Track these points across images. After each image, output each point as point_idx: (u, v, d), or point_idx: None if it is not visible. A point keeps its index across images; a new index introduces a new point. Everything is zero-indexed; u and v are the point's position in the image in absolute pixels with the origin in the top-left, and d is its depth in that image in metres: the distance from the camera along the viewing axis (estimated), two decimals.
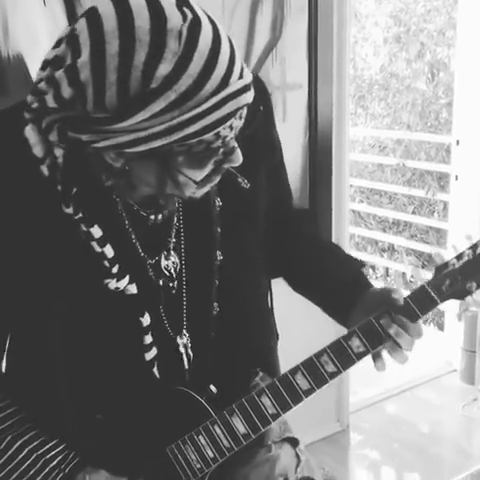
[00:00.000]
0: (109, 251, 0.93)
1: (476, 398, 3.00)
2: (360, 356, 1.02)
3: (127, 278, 0.95)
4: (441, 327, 3.52)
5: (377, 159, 4.87)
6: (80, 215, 0.90)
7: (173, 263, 1.03)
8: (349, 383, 2.76)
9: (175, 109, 0.75)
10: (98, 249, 0.92)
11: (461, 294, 1.04)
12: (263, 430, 1.02)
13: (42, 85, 0.81)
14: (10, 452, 0.97)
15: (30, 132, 0.84)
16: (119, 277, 0.94)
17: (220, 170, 0.89)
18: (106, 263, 0.93)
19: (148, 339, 0.98)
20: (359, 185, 4.69)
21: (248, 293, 1.11)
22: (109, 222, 0.94)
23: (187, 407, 1.03)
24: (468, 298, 1.05)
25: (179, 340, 1.05)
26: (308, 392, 1.01)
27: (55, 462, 0.98)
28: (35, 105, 0.82)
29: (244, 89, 0.80)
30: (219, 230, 1.03)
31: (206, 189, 0.92)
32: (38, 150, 0.85)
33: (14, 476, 0.97)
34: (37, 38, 1.67)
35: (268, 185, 1.10)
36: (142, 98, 0.74)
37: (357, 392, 2.96)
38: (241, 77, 0.80)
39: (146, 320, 0.97)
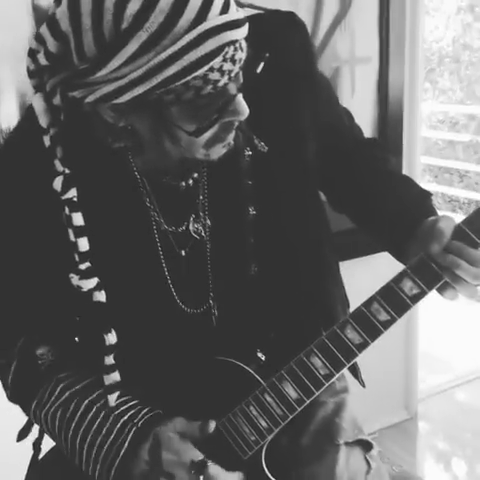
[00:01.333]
0: (83, 244, 0.87)
1: None
2: (415, 299, 0.91)
3: (95, 281, 0.89)
4: None
5: (448, 135, 4.68)
6: (68, 196, 0.86)
7: (204, 225, 0.98)
8: (418, 369, 2.67)
9: (150, 50, 0.71)
10: (72, 238, 0.87)
11: None
12: (317, 393, 0.95)
13: (33, 44, 0.79)
14: (80, 412, 0.97)
15: (36, 99, 0.83)
16: (85, 276, 0.88)
17: (227, 126, 0.83)
18: (76, 256, 0.88)
19: (109, 361, 0.93)
20: (428, 163, 4.51)
21: (293, 248, 1.03)
22: (123, 198, 0.92)
23: (235, 377, 0.99)
24: None
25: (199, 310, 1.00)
26: (361, 346, 0.93)
27: (126, 416, 0.96)
28: (32, 67, 0.81)
29: (228, 25, 0.73)
30: (250, 183, 0.97)
31: (222, 150, 0.86)
32: (43, 119, 0.83)
33: (90, 436, 0.96)
34: None
35: (319, 124, 1.01)
36: (115, 41, 0.71)
37: (426, 379, 2.87)
38: (224, 12, 0.74)
39: (111, 339, 0.92)
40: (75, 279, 0.88)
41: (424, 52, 4.82)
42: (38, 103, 0.82)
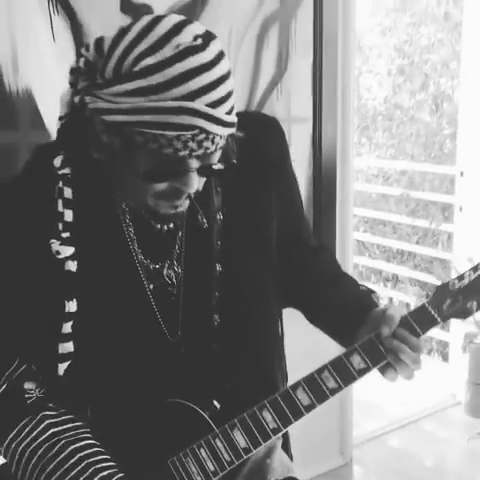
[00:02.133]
0: (69, 215, 0.99)
1: None
2: (361, 373, 1.03)
3: (72, 250, 0.99)
4: (446, 358, 3.50)
5: (381, 189, 4.89)
6: (64, 171, 0.99)
7: (175, 272, 1.08)
8: (352, 416, 2.73)
9: (142, 95, 0.87)
10: (60, 209, 0.99)
11: (462, 314, 1.05)
12: (263, 445, 1.03)
13: (83, 51, 0.96)
14: (62, 456, 0.99)
15: (66, 93, 0.98)
16: (65, 243, 0.99)
17: (175, 192, 0.96)
18: (60, 225, 0.99)
19: (66, 328, 1.00)
20: (363, 215, 4.70)
21: (252, 307, 1.13)
22: (110, 228, 1.04)
23: (189, 420, 1.05)
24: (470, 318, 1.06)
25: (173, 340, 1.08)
26: (309, 408, 1.02)
27: (106, 473, 0.99)
28: (74, 65, 0.96)
29: (211, 118, 0.89)
30: (219, 243, 1.08)
31: (168, 209, 0.99)
32: (63, 110, 0.98)
33: None
34: (46, 73, 1.69)
35: (282, 217, 1.15)
36: (125, 76, 0.88)
37: (360, 425, 2.94)
38: (215, 107, 0.89)
39: (71, 306, 1.00)
40: (56, 245, 0.98)
41: (359, 110, 5.08)
42: (66, 95, 0.97)
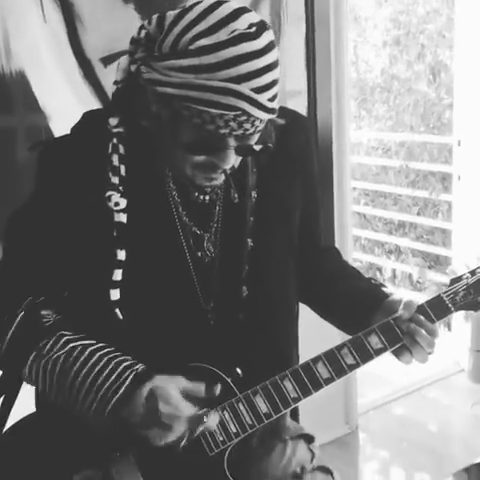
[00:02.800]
0: (123, 170, 1.05)
1: None
2: (378, 352, 1.12)
3: (125, 202, 1.05)
4: (449, 327, 3.53)
5: (381, 161, 4.89)
6: (119, 129, 1.05)
7: (213, 244, 1.15)
8: (357, 385, 2.77)
9: (193, 73, 0.93)
10: (116, 163, 1.05)
11: (473, 306, 1.16)
12: (283, 411, 1.11)
13: (145, 24, 1.03)
14: (83, 357, 1.05)
15: (123, 60, 1.05)
16: (122, 196, 1.04)
17: (211, 166, 1.02)
18: (116, 178, 1.05)
19: (117, 275, 1.05)
20: (363, 187, 4.70)
21: (277, 283, 1.20)
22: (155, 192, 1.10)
23: (212, 378, 1.10)
24: None
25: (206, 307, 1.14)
26: (328, 381, 1.11)
27: (128, 363, 1.05)
28: (135, 36, 1.03)
29: (255, 103, 0.95)
30: (252, 219, 1.15)
31: (203, 181, 1.06)
32: (119, 75, 1.05)
33: (90, 376, 1.03)
34: (39, 55, 1.71)
35: (302, 211, 1.23)
36: (181, 52, 0.94)
37: (365, 394, 2.98)
38: (259, 93, 0.95)
39: (122, 255, 1.05)
40: (116, 196, 1.04)
41: (358, 82, 5.06)
42: (123, 63, 1.04)
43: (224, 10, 0.95)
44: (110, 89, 1.75)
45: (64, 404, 1.06)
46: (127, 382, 1.03)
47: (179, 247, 1.12)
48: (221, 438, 1.10)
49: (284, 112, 1.11)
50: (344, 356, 1.11)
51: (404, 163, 4.29)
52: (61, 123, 1.72)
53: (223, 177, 1.07)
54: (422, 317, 1.12)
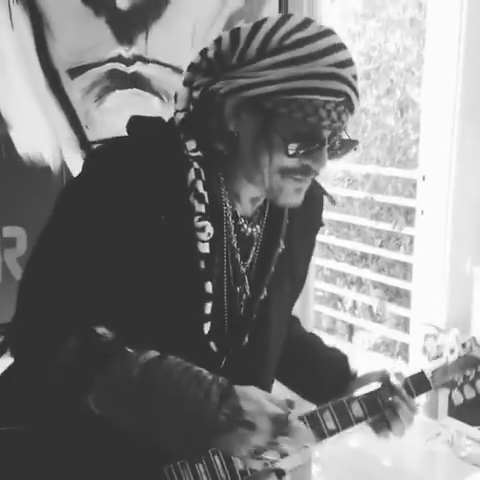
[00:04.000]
0: (206, 197, 1.02)
1: (439, 433, 3.00)
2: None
3: (212, 231, 1.02)
4: (407, 360, 3.54)
5: (346, 192, 4.93)
6: (198, 153, 1.03)
7: (243, 288, 1.14)
8: None
9: (294, 64, 0.95)
10: (201, 190, 1.01)
11: (449, 385, 1.25)
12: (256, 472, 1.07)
13: (209, 45, 1.04)
14: (174, 374, 0.94)
15: (183, 90, 1.05)
16: (206, 219, 1.02)
17: (305, 170, 1.02)
18: (203, 206, 1.02)
19: (207, 309, 1.03)
20: (328, 218, 4.73)
21: (277, 334, 1.21)
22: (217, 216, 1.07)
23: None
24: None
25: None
26: (359, 420, 1.18)
27: (211, 377, 0.96)
28: (197, 60, 1.04)
29: (352, 87, 0.98)
30: (273, 269, 1.15)
31: (292, 195, 1.05)
32: (180, 104, 1.05)
33: (178, 391, 0.93)
34: (4, 62, 1.67)
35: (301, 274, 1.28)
36: (275, 49, 0.96)
37: None
38: (356, 80, 1.00)
39: (209, 287, 1.03)
40: (209, 226, 1.01)
41: None
42: (183, 92, 1.05)
43: (292, 22, 0.99)
44: (76, 100, 1.73)
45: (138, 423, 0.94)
46: (214, 388, 0.93)
47: (221, 281, 1.09)
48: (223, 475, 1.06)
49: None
50: (325, 420, 1.12)
51: (369, 195, 4.33)
52: (22, 132, 1.68)
53: (306, 187, 1.07)
54: (404, 392, 1.18)
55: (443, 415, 3.09)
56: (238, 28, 1.02)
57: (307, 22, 0.99)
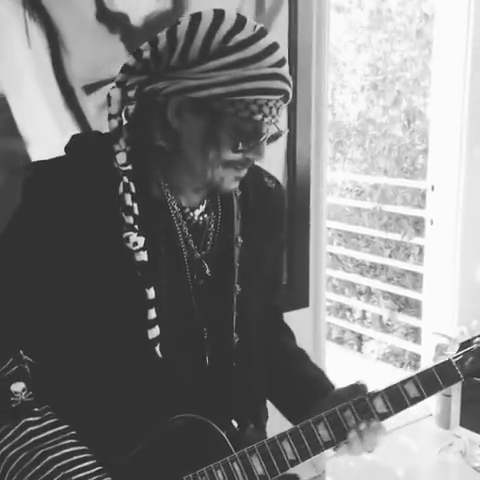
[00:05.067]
0: (136, 208, 1.03)
1: (451, 443, 2.99)
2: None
3: (143, 240, 1.03)
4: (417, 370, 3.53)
5: (354, 203, 4.95)
6: (128, 167, 1.03)
7: (209, 266, 1.14)
8: None
9: (241, 66, 0.98)
10: (129, 203, 1.03)
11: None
12: (278, 475, 1.06)
13: (143, 46, 1.04)
14: (39, 466, 0.98)
15: (115, 91, 1.05)
16: (139, 234, 1.03)
17: (245, 162, 1.07)
18: (131, 218, 1.03)
19: (151, 314, 1.03)
20: (337, 228, 4.75)
21: (261, 332, 1.20)
22: (157, 213, 1.08)
23: (208, 438, 1.06)
24: None
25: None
26: (328, 444, 1.08)
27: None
28: (131, 61, 1.04)
29: (288, 82, 1.02)
30: (238, 265, 1.15)
31: (232, 182, 1.08)
32: (114, 108, 1.04)
33: None
34: (22, 79, 1.69)
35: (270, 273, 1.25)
36: (219, 52, 0.98)
37: None
38: (290, 74, 1.04)
39: (151, 293, 1.03)
40: (134, 236, 1.02)
41: (334, 125, 5.14)
42: (115, 93, 1.04)
43: (231, 16, 1.01)
44: (91, 116, 1.74)
45: None
46: None
47: (184, 273, 1.11)
48: None
49: (271, 177, 1.25)
50: (319, 431, 1.08)
51: (378, 205, 4.35)
52: (40, 149, 1.70)
53: (244, 173, 1.09)
54: (372, 411, 1.08)
55: (455, 425, 3.08)
56: (174, 27, 1.02)
57: (242, 21, 1.01)
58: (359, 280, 4.80)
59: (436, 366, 1.08)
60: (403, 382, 1.09)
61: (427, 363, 3.33)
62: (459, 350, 1.09)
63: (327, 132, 2.54)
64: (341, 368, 3.49)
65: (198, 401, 1.08)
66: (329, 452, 2.85)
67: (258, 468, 1.04)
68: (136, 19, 1.86)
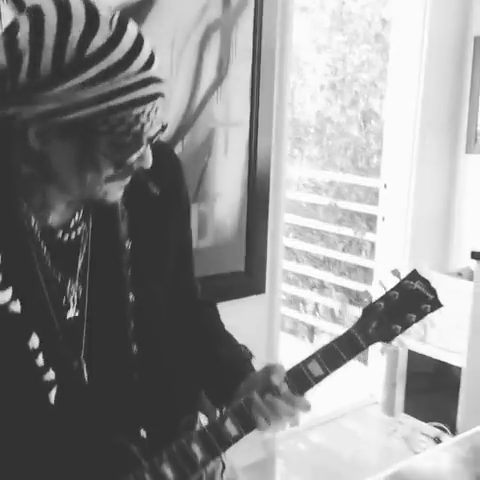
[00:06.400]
0: None
1: (396, 429, 3.14)
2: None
3: (10, 292, 0.92)
4: (366, 362, 3.68)
5: (311, 198, 5.06)
6: None
7: (77, 291, 1.02)
8: None
9: (107, 79, 0.82)
10: None
11: (387, 336, 1.05)
12: (192, 477, 1.02)
13: None
14: None
15: None
16: (1, 288, 0.92)
17: (129, 170, 0.94)
18: None
19: (40, 361, 0.95)
20: (293, 222, 4.85)
21: (165, 339, 1.12)
22: (15, 235, 0.95)
23: (116, 452, 1.02)
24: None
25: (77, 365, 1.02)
26: (236, 438, 1.03)
27: None
28: None
29: (160, 81, 0.89)
30: (129, 271, 1.03)
31: (118, 192, 0.97)
32: None
33: None
34: None
35: (176, 253, 1.14)
36: (77, 65, 0.81)
37: None
38: (160, 70, 0.90)
39: (34, 342, 0.94)
40: None
41: (293, 122, 5.24)
42: None
43: (79, 11, 0.83)
44: None
45: None
46: None
47: (42, 300, 0.97)
48: None
49: (160, 146, 1.01)
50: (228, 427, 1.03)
51: (333, 201, 4.46)
52: None
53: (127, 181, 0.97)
54: (285, 387, 1.02)
55: (399, 412, 3.23)
56: (13, 35, 0.83)
57: (93, 17, 0.83)
58: (313, 273, 4.92)
59: (337, 340, 1.03)
60: (306, 362, 1.06)
61: (375, 354, 3.48)
62: (360, 318, 1.05)
63: (287, 129, 2.62)
64: (294, 357, 3.60)
65: (99, 421, 1.02)
66: (280, 434, 2.95)
67: (169, 475, 1.00)
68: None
